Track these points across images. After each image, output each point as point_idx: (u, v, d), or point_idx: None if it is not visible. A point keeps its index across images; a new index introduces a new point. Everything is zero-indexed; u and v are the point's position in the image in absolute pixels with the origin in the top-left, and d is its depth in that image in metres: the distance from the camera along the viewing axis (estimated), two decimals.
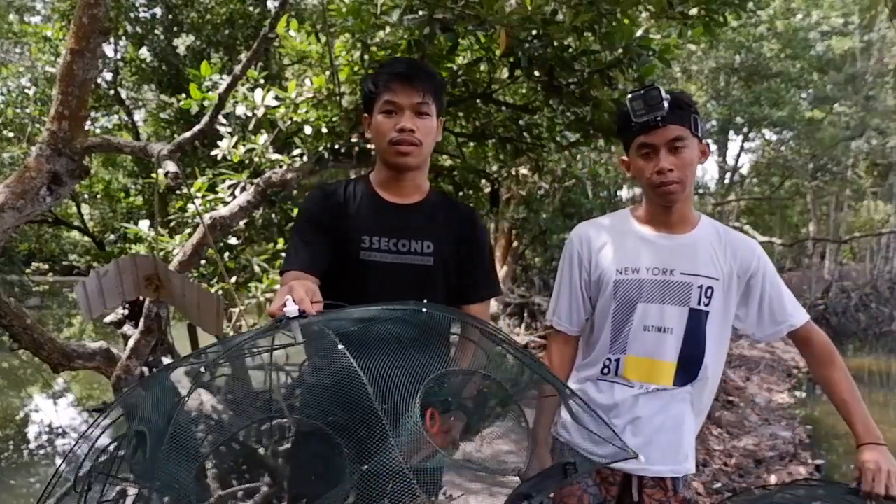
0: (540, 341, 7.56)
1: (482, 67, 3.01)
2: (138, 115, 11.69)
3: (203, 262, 3.98)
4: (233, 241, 4.49)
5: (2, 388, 8.56)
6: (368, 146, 3.24)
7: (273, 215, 5.12)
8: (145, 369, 3.25)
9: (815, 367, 1.59)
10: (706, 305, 1.52)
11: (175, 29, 9.28)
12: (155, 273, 2.37)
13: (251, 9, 8.92)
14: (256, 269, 4.19)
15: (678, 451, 1.56)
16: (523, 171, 6.45)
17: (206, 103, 3.10)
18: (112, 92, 10.26)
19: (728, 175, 18.98)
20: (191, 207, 3.87)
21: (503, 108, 3.37)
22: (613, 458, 1.23)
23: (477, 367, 1.17)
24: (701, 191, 17.53)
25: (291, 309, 1.03)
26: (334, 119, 3.18)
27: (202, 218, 3.07)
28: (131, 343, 3.14)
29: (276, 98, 3.18)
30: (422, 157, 1.55)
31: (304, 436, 1.33)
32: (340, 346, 0.91)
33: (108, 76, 10.19)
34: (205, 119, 2.79)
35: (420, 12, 2.38)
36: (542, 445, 1.58)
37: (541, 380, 1.23)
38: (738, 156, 19.29)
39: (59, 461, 5.59)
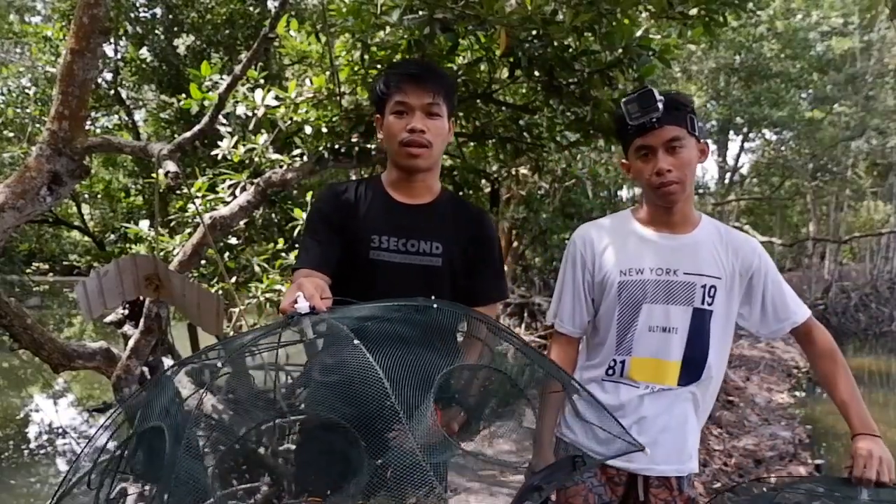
0: (540, 341, 7.55)
1: (482, 67, 3.01)
2: (138, 115, 11.69)
3: (203, 262, 3.98)
4: (233, 241, 4.50)
5: (2, 388, 8.56)
6: (368, 146, 3.24)
7: (273, 215, 5.12)
8: (145, 369, 3.25)
9: (815, 362, 1.60)
10: (710, 305, 1.53)
11: (175, 29, 9.28)
12: (155, 273, 2.37)
13: (251, 9, 8.91)
14: (256, 269, 4.19)
15: (683, 450, 1.57)
16: (523, 171, 6.45)
17: (206, 103, 3.10)
18: (112, 92, 10.25)
19: (728, 175, 18.98)
20: (191, 207, 3.88)
21: (503, 108, 3.37)
22: (622, 452, 1.24)
23: (484, 362, 1.18)
24: (701, 191, 17.54)
25: (302, 305, 1.03)
26: (334, 119, 3.18)
27: (202, 218, 3.08)
28: (131, 343, 3.15)
29: (276, 98, 3.18)
30: (432, 159, 1.55)
31: (312, 432, 1.34)
32: (356, 342, 0.91)
33: (109, 76, 10.19)
34: (205, 119, 2.79)
35: (420, 12, 2.38)
36: (547, 447, 1.58)
37: (548, 375, 1.23)
38: (738, 156, 19.26)
39: (59, 461, 5.59)
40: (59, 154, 2.48)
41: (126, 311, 3.65)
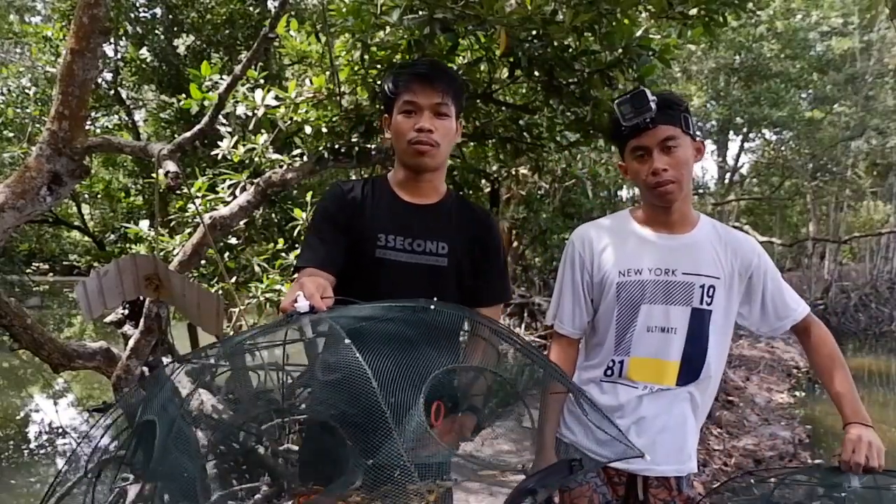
0: (540, 341, 7.55)
1: (482, 67, 3.01)
2: (138, 115, 11.70)
3: (203, 262, 3.98)
4: (233, 241, 4.50)
5: (2, 388, 8.56)
6: (368, 146, 3.24)
7: (273, 215, 5.13)
8: (145, 369, 3.25)
9: (812, 355, 1.60)
10: (708, 304, 1.53)
11: (175, 29, 9.28)
12: (155, 273, 2.37)
13: (251, 9, 8.92)
14: (256, 269, 4.19)
15: (682, 450, 1.57)
16: (523, 171, 6.45)
17: (206, 103, 3.10)
18: (112, 92, 10.26)
19: (728, 175, 18.97)
20: (191, 207, 3.88)
21: (503, 108, 3.37)
22: (620, 457, 1.24)
23: (487, 365, 1.17)
24: (701, 191, 17.53)
25: (302, 304, 1.03)
26: (334, 119, 3.18)
27: (202, 218, 3.08)
28: (131, 343, 3.15)
29: (276, 98, 3.18)
30: (440, 158, 1.55)
31: (313, 430, 1.34)
32: (347, 341, 0.91)
33: (109, 76, 10.19)
34: (205, 119, 2.79)
35: (420, 12, 2.38)
36: (549, 449, 1.58)
37: (548, 377, 1.23)
38: (738, 156, 19.24)
39: (59, 461, 5.59)
40: (59, 154, 2.48)
41: (126, 311, 3.66)
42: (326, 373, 1.09)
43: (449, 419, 1.14)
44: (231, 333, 4.06)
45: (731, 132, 17.82)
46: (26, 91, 10.20)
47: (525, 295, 9.35)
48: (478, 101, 3.14)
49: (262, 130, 3.42)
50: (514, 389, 1.17)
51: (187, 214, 4.12)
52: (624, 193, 10.33)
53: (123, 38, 9.53)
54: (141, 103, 11.60)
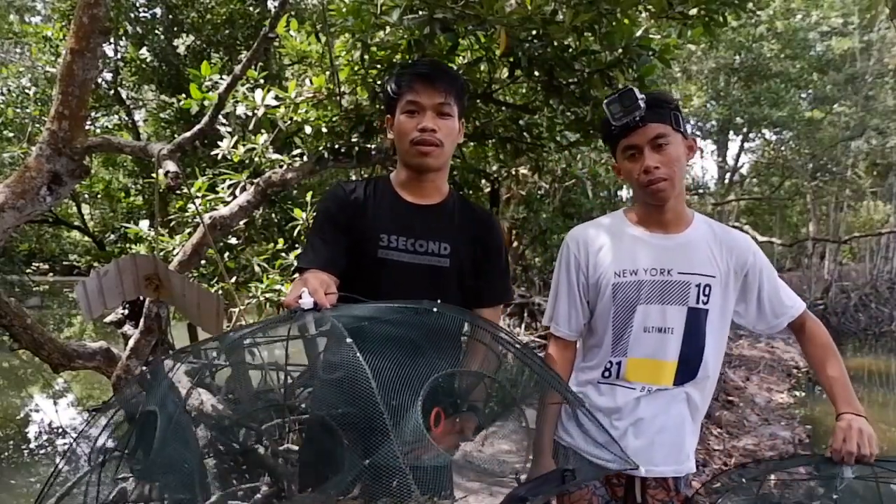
0: (540, 341, 7.55)
1: (482, 67, 3.00)
2: (138, 115, 11.69)
3: (203, 262, 3.98)
4: (233, 241, 4.50)
5: (2, 388, 8.56)
6: (368, 146, 3.24)
7: (273, 215, 5.13)
8: (145, 369, 3.25)
9: (806, 347, 1.60)
10: (705, 304, 1.53)
11: (175, 29, 9.27)
12: (155, 273, 2.37)
13: (251, 9, 8.91)
14: (256, 269, 4.19)
15: (680, 451, 1.57)
16: (523, 171, 6.45)
17: (206, 103, 3.10)
18: (112, 92, 10.25)
19: (728, 175, 18.96)
20: (191, 207, 3.88)
21: (503, 108, 3.37)
22: (617, 469, 1.23)
23: (487, 370, 1.17)
24: (701, 191, 17.53)
25: (306, 301, 1.03)
26: (334, 119, 3.17)
27: (202, 218, 3.08)
28: (131, 343, 3.15)
29: (276, 98, 3.18)
30: (443, 158, 1.56)
31: (313, 430, 1.34)
32: (349, 340, 0.91)
33: (108, 76, 10.18)
34: (205, 119, 2.79)
35: (420, 12, 2.38)
36: (546, 454, 1.57)
37: (549, 387, 1.23)
38: (738, 156, 19.24)
39: (59, 461, 5.58)
40: (59, 154, 2.48)
41: (126, 311, 3.65)
42: (327, 372, 1.09)
43: (450, 420, 1.14)
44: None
45: (731, 132, 17.82)
46: (26, 91, 10.19)
47: (525, 295, 9.35)
48: (478, 101, 3.14)
49: (262, 130, 3.41)
50: (511, 397, 1.17)
51: (187, 214, 4.12)
52: (624, 193, 10.31)
53: (123, 38, 9.52)
54: (141, 103, 11.59)
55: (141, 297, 2.92)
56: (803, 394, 8.76)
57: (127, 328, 3.62)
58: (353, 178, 4.65)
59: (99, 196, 14.19)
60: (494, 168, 4.86)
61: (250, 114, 3.26)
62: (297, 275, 1.50)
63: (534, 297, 9.22)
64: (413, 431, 0.92)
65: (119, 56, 9.94)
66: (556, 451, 1.62)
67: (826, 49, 14.89)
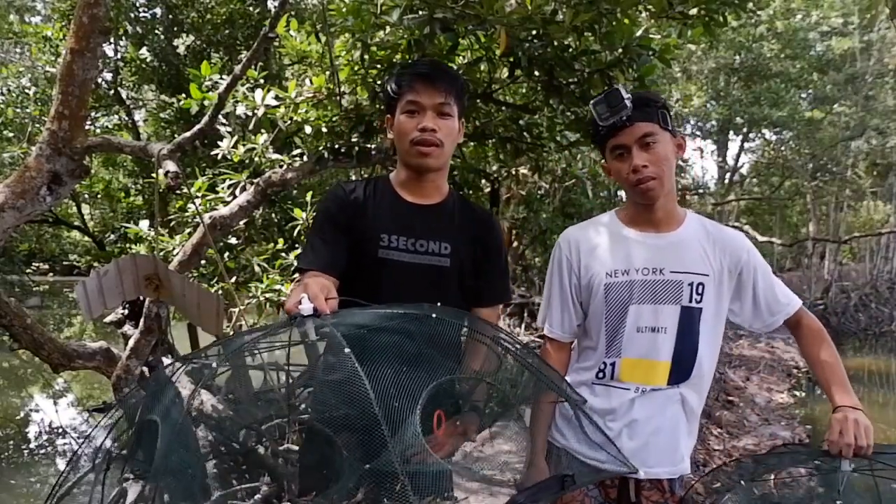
0: (540, 341, 7.55)
1: (482, 67, 3.00)
2: (138, 115, 11.69)
3: (203, 262, 3.98)
4: (233, 241, 4.50)
5: (2, 388, 8.56)
6: (368, 146, 3.24)
7: (273, 215, 5.13)
8: (145, 369, 3.25)
9: (802, 343, 1.59)
10: (698, 302, 1.52)
11: (175, 29, 9.28)
12: (155, 273, 2.37)
13: (251, 9, 8.91)
14: (256, 269, 4.19)
15: (675, 452, 1.56)
16: (523, 171, 6.45)
17: (206, 103, 3.10)
18: (112, 92, 10.25)
19: (728, 175, 18.96)
20: (191, 207, 3.88)
21: (503, 108, 3.37)
22: (615, 472, 1.23)
23: (488, 371, 1.17)
24: (701, 191, 17.52)
25: (307, 307, 1.03)
26: (334, 119, 3.17)
27: (202, 218, 3.08)
28: (131, 343, 3.15)
29: (276, 98, 3.18)
30: (443, 158, 1.55)
31: (313, 436, 1.34)
32: (347, 350, 0.91)
33: (108, 76, 10.19)
34: (205, 119, 2.78)
35: (420, 12, 2.38)
36: (540, 454, 1.57)
37: (547, 388, 1.23)
38: (738, 156, 19.24)
39: (59, 461, 5.59)
40: (59, 154, 2.48)
41: (126, 311, 3.66)
42: (327, 374, 1.09)
43: (452, 422, 1.14)
44: (231, 333, 4.05)
45: (731, 132, 17.82)
46: (26, 91, 10.19)
47: (525, 295, 9.36)
48: (478, 101, 3.14)
49: (262, 130, 3.41)
50: (512, 398, 1.17)
51: (187, 214, 4.12)
52: (624, 193, 10.31)
53: (123, 38, 9.52)
54: (141, 103, 11.60)
55: (141, 297, 2.91)
56: (803, 394, 8.76)
57: (127, 328, 3.62)
58: (353, 178, 4.65)
59: (99, 196, 14.20)
60: (494, 168, 4.86)
61: (250, 114, 3.26)
62: (297, 275, 1.50)
63: (534, 297, 9.22)
64: (412, 438, 0.92)
65: (119, 56, 9.95)
66: (549, 452, 1.61)
67: (826, 49, 14.89)
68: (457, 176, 3.89)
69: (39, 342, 2.89)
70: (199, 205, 3.55)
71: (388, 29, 2.72)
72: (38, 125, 9.22)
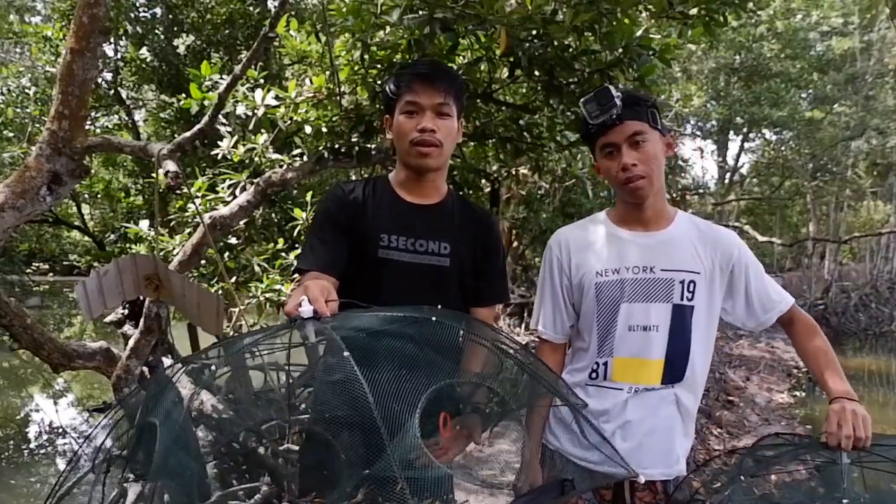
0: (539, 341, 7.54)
1: (482, 67, 3.00)
2: (138, 115, 11.70)
3: (203, 262, 3.98)
4: (233, 241, 4.50)
5: (2, 388, 8.56)
6: (368, 146, 3.24)
7: (273, 215, 5.13)
8: (145, 369, 3.25)
9: (797, 341, 1.58)
10: (690, 300, 1.52)
11: (175, 29, 9.28)
12: (155, 273, 2.37)
13: (251, 9, 8.92)
14: (256, 269, 4.19)
15: (670, 453, 1.55)
16: (523, 171, 6.45)
17: (206, 103, 3.10)
18: (112, 92, 10.26)
19: (728, 175, 18.97)
20: (191, 207, 3.88)
21: (503, 107, 3.37)
22: (615, 478, 1.22)
23: (488, 373, 1.17)
24: (701, 191, 17.51)
25: (307, 309, 1.03)
26: (334, 119, 3.17)
27: (202, 218, 3.08)
28: (131, 343, 3.15)
29: (276, 98, 3.18)
30: (442, 158, 1.56)
31: (313, 440, 1.33)
32: (346, 354, 0.91)
33: (108, 76, 10.19)
34: (205, 119, 2.78)
35: (420, 12, 2.38)
36: (534, 457, 1.57)
37: (547, 393, 1.23)
38: (738, 156, 19.25)
39: (59, 461, 5.59)
40: (59, 154, 2.48)
41: (126, 311, 3.66)
42: (327, 376, 1.09)
43: (455, 423, 1.14)
44: (231, 334, 4.05)
45: (731, 132, 17.83)
46: (26, 91, 10.19)
47: (525, 295, 9.35)
48: (478, 101, 3.14)
49: (262, 130, 3.41)
50: (511, 404, 1.17)
51: (187, 214, 4.11)
52: None
53: (123, 38, 9.53)
54: (141, 103, 11.60)
55: (141, 297, 2.92)
56: (803, 394, 8.76)
57: (127, 328, 3.62)
58: (353, 178, 4.65)
59: (99, 196, 14.21)
60: (494, 168, 4.86)
61: (250, 114, 3.26)
62: (296, 276, 1.50)
63: (534, 297, 9.22)
64: (412, 443, 0.92)
65: (119, 56, 9.95)
66: (542, 454, 1.61)
67: (826, 49, 14.90)
68: (457, 176, 3.89)
69: (39, 342, 2.89)
70: (199, 205, 3.55)
71: (388, 29, 2.72)
72: (38, 125, 9.22)
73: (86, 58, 2.37)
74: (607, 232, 1.60)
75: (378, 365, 0.93)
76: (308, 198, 4.07)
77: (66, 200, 13.43)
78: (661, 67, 2.74)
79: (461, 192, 4.02)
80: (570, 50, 2.66)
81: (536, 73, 2.76)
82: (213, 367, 1.11)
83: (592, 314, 1.56)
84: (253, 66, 3.08)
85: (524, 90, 3.50)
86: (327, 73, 3.24)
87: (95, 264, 9.63)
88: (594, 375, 1.56)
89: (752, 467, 1.43)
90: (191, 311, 2.51)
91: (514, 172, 6.05)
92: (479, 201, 4.44)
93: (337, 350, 0.94)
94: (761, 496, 1.46)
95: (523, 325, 8.96)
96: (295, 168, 3.26)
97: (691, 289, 1.51)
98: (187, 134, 2.73)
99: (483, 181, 4.59)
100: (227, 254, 4.49)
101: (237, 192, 3.70)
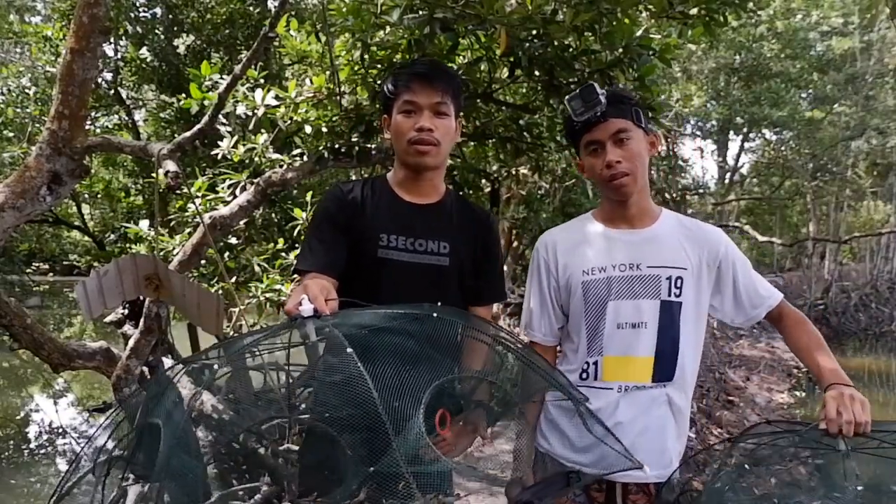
0: None
1: (482, 67, 3.00)
2: (138, 115, 11.69)
3: (203, 262, 3.98)
4: (233, 241, 4.50)
5: (2, 388, 8.56)
6: (368, 146, 3.24)
7: (273, 215, 5.13)
8: (145, 369, 3.25)
9: (788, 335, 1.57)
10: (677, 296, 1.52)
11: (175, 29, 9.27)
12: (155, 273, 2.37)
13: (251, 9, 8.91)
14: (256, 269, 4.19)
15: (662, 454, 1.54)
16: (523, 171, 6.45)
17: (206, 103, 3.10)
18: (112, 92, 10.25)
19: (728, 175, 18.97)
20: (191, 207, 3.88)
21: (503, 107, 3.37)
22: (615, 469, 1.23)
23: (490, 370, 1.17)
24: (701, 191, 17.51)
25: (307, 308, 1.03)
26: (334, 119, 3.17)
27: (202, 218, 3.08)
28: (131, 343, 3.15)
29: (276, 98, 3.18)
30: (440, 158, 1.56)
31: (314, 438, 1.33)
32: (349, 350, 0.91)
33: (109, 76, 10.19)
34: (205, 119, 2.78)
35: (420, 12, 2.38)
36: (526, 458, 1.56)
37: (550, 387, 1.23)
38: (738, 156, 19.25)
39: (59, 461, 5.59)
40: (59, 154, 2.48)
41: (126, 311, 3.65)
42: (328, 375, 1.09)
43: (459, 419, 1.14)
44: (231, 334, 4.06)
45: (731, 132, 17.83)
46: (26, 91, 10.19)
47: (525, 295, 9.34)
48: (478, 100, 3.13)
49: (262, 130, 3.41)
50: (513, 400, 1.18)
51: (187, 214, 4.11)
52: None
53: (123, 38, 9.52)
54: (141, 103, 11.59)
55: (141, 297, 2.91)
56: (804, 394, 8.76)
57: (127, 328, 3.62)
58: (353, 177, 4.65)
59: (99, 196, 14.20)
60: (494, 168, 4.86)
61: (250, 114, 3.26)
62: (296, 276, 1.50)
63: None
64: (417, 438, 0.92)
65: (119, 56, 9.95)
66: (534, 458, 1.59)
67: (826, 49, 14.90)
68: (457, 176, 3.89)
69: (39, 342, 2.88)
70: (199, 205, 3.55)
71: (388, 29, 2.72)
72: (38, 125, 9.22)
73: (86, 58, 2.37)
74: (593, 231, 1.60)
75: (380, 361, 0.93)
76: (308, 198, 4.07)
77: (66, 200, 13.43)
78: (662, 67, 2.74)
79: (461, 192, 4.02)
80: (571, 50, 2.66)
81: (536, 73, 2.76)
82: (213, 368, 1.11)
83: (581, 314, 1.56)
84: (253, 66, 3.08)
85: (524, 90, 3.50)
86: (327, 73, 3.24)
87: (95, 264, 9.63)
88: (584, 376, 1.56)
89: (748, 455, 1.41)
90: (191, 311, 2.51)
91: (514, 172, 6.05)
92: (479, 201, 4.44)
93: (339, 347, 0.94)
94: (761, 496, 1.45)
95: (523, 325, 8.96)
96: (295, 168, 3.26)
97: (679, 285, 1.52)
98: (187, 134, 2.73)
99: (483, 181, 4.59)
100: (227, 254, 4.49)
101: (237, 192, 3.69)
